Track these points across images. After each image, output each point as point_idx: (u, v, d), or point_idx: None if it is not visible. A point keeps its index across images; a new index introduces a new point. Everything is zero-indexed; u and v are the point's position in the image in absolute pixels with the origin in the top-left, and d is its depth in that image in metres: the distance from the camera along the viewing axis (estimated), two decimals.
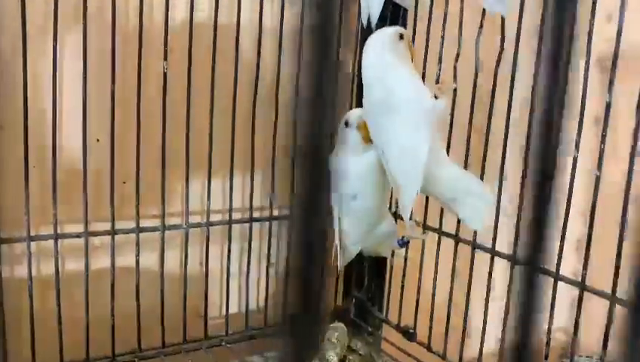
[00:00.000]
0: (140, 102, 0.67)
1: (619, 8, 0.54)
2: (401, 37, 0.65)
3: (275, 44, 0.78)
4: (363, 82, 0.66)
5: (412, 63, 0.67)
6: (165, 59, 0.67)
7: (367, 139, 0.69)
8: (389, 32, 0.65)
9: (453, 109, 0.70)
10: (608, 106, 0.56)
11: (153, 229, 0.72)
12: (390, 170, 0.64)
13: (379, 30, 0.66)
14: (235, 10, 0.72)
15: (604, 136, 0.56)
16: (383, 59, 0.64)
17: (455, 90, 0.70)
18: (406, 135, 0.62)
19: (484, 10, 0.64)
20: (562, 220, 0.57)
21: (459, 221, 0.70)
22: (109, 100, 0.65)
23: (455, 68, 0.70)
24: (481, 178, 0.67)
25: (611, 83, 0.55)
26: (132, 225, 0.70)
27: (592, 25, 0.55)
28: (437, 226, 0.74)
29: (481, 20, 0.65)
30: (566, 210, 0.57)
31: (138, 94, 0.67)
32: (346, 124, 0.70)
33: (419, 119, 0.62)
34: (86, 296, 0.68)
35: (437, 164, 0.63)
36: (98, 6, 0.67)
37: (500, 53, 0.64)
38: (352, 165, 0.70)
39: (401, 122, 0.63)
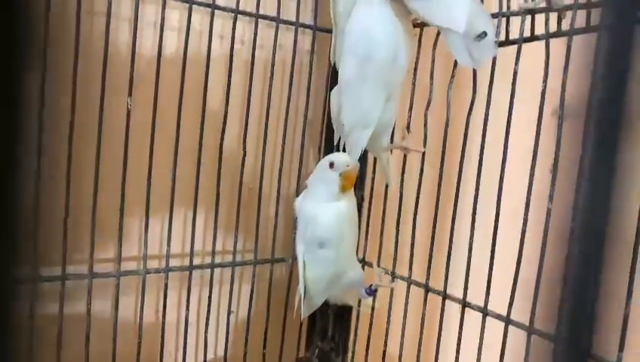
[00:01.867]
0: (100, 139, 0.64)
1: None
2: None
3: (245, 82, 0.76)
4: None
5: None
6: (130, 95, 0.64)
7: (347, 188, 0.67)
8: None
9: (423, 157, 0.70)
10: None
11: (107, 275, 0.67)
12: (343, 116, 0.65)
13: None
14: (204, 47, 0.71)
15: None
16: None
17: (425, 137, 0.70)
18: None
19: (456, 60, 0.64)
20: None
21: (429, 270, 0.69)
22: (67, 135, 0.62)
23: (426, 115, 0.69)
24: (451, 231, 0.66)
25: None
26: (85, 270, 0.65)
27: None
28: (406, 275, 0.72)
29: (453, 70, 0.65)
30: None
31: (99, 130, 0.63)
32: (331, 165, 0.68)
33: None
34: (30, 345, 0.62)
35: None
36: (57, 37, 0.64)
37: (472, 102, 0.64)
38: (322, 213, 0.68)
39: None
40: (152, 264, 0.74)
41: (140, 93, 0.67)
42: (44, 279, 0.63)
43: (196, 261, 0.75)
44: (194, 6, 0.67)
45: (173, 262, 0.74)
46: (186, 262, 0.74)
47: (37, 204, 0.60)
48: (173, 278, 0.74)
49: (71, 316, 0.66)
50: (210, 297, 0.75)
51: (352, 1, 0.68)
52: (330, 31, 0.78)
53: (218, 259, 0.78)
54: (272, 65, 0.75)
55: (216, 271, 0.76)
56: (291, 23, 0.77)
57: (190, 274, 0.73)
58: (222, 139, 0.72)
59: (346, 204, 0.68)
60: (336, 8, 0.72)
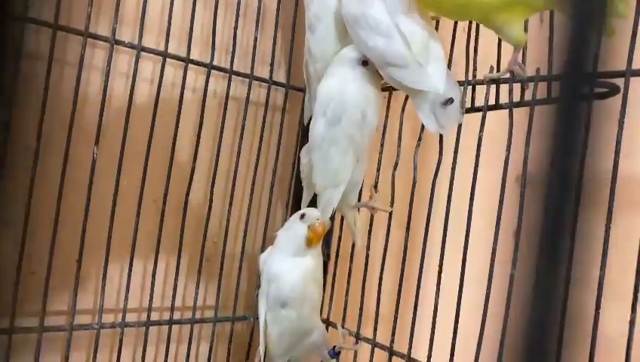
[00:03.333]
0: (62, 184, 0.62)
1: None
2: None
3: (215, 136, 0.76)
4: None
5: None
6: (97, 143, 0.64)
7: (316, 243, 0.67)
8: None
9: (390, 217, 0.70)
10: None
11: (59, 329, 0.64)
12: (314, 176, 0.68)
13: None
14: (175, 99, 0.71)
15: None
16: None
17: (392, 197, 0.70)
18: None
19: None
20: None
21: (393, 333, 0.68)
22: (27, 179, 0.60)
23: (393, 175, 0.70)
24: (417, 293, 0.66)
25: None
26: (36, 322, 0.62)
27: None
28: (371, 337, 0.71)
29: (420, 133, 0.66)
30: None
31: (62, 176, 0.62)
32: (302, 216, 0.68)
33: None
34: None
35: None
36: (24, 88, 0.63)
37: (438, 165, 0.65)
38: (286, 271, 0.67)
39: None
40: (108, 318, 0.71)
41: (108, 142, 0.66)
42: None
43: (154, 316, 0.72)
44: (168, 59, 0.68)
45: (130, 317, 0.71)
46: (143, 317, 0.71)
47: None
48: (129, 334, 0.70)
49: None
50: (167, 355, 0.72)
51: (325, 63, 0.70)
52: (302, 89, 0.80)
53: (177, 316, 0.75)
54: (244, 120, 0.75)
55: (175, 328, 0.73)
56: (264, 80, 0.78)
57: (147, 329, 0.70)
58: (188, 190, 0.72)
59: (312, 262, 0.67)
60: (309, 69, 0.74)
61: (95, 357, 0.66)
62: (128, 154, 0.66)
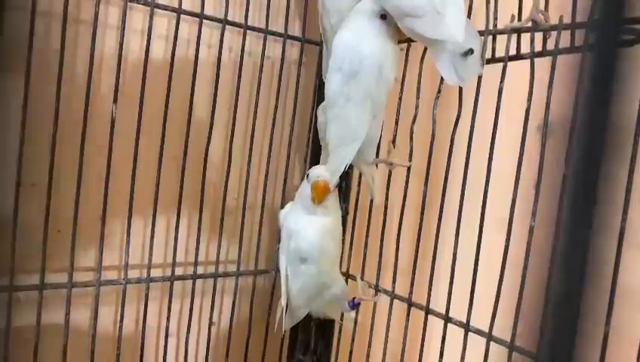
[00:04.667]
0: (83, 145, 0.63)
1: None
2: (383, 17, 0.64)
3: (232, 92, 0.76)
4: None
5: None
6: (115, 102, 0.64)
7: (318, 201, 0.67)
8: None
9: (408, 171, 0.70)
10: None
11: (86, 285, 0.66)
12: (329, 132, 0.67)
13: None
14: (191, 55, 0.70)
15: None
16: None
17: (411, 152, 0.70)
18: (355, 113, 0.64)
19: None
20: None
21: (412, 284, 0.69)
22: (49, 141, 0.61)
23: (412, 130, 0.70)
24: (435, 245, 0.66)
25: None
26: (64, 278, 0.64)
27: None
28: (390, 289, 0.72)
29: (440, 86, 0.65)
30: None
31: (82, 137, 0.63)
32: (306, 176, 0.68)
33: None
34: (5, 355, 0.61)
35: None
36: (41, 48, 0.63)
37: (457, 117, 0.64)
38: (303, 228, 0.68)
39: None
40: (133, 274, 0.73)
41: (126, 100, 0.67)
42: (21, 288, 0.62)
43: (178, 271, 0.74)
44: (182, 15, 0.67)
45: (155, 273, 0.73)
46: (168, 273, 0.73)
47: (15, 211, 0.59)
48: (154, 288, 0.73)
49: (49, 326, 0.65)
50: (191, 308, 0.74)
51: (341, 16, 0.69)
52: (318, 43, 0.79)
53: (200, 270, 0.77)
54: (260, 75, 0.75)
55: (198, 282, 0.75)
56: (279, 35, 0.77)
57: (172, 284, 0.72)
58: (207, 147, 0.72)
59: (329, 218, 0.68)
60: (324, 23, 0.72)
61: (123, 311, 0.68)
62: (146, 112, 0.66)
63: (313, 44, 0.80)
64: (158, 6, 0.65)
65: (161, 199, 0.70)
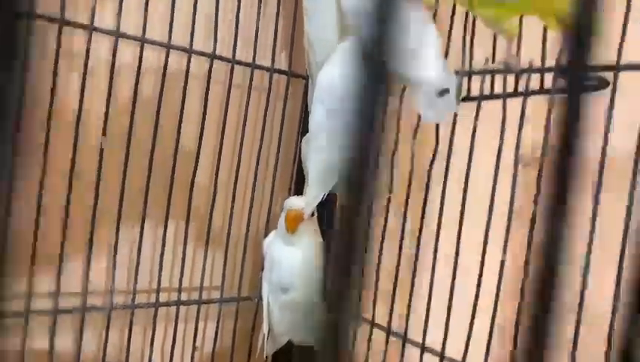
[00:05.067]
0: (72, 176, 0.65)
1: None
2: None
3: (219, 122, 0.78)
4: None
5: None
6: (104, 134, 0.66)
7: (292, 230, 0.69)
8: None
9: (388, 204, 0.72)
10: None
11: (71, 311, 0.67)
12: (309, 163, 0.68)
13: None
14: (179, 87, 0.73)
15: None
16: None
17: (391, 183, 0.72)
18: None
19: None
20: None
21: (391, 313, 0.71)
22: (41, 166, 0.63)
23: (392, 162, 0.72)
24: (413, 275, 0.68)
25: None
26: (48, 304, 0.66)
27: None
28: (369, 318, 0.74)
29: (418, 121, 0.68)
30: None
31: (72, 168, 0.64)
32: (282, 210, 0.71)
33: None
34: None
35: None
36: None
37: (435, 153, 0.67)
38: (283, 257, 0.70)
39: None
40: (118, 299, 0.74)
41: (115, 130, 0.69)
42: (3, 314, 0.63)
43: (162, 297, 0.76)
44: (172, 50, 0.70)
45: (140, 298, 0.74)
46: (152, 298, 0.75)
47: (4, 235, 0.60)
48: (138, 314, 0.74)
49: (33, 352, 0.66)
50: (175, 334, 0.75)
51: (326, 53, 0.72)
52: (304, 76, 0.82)
53: (184, 296, 0.79)
54: (246, 108, 0.77)
55: (182, 308, 0.77)
56: (266, 69, 0.79)
57: (156, 311, 0.73)
58: (193, 176, 0.74)
59: (308, 248, 0.70)
60: (310, 58, 0.75)
61: (107, 337, 0.69)
62: (135, 141, 0.69)
63: (299, 77, 0.83)
64: (148, 41, 0.68)
65: (147, 225, 0.71)
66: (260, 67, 0.79)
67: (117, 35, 0.65)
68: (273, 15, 0.79)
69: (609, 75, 0.51)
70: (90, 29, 0.63)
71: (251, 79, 0.77)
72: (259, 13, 0.77)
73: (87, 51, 0.64)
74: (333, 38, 0.71)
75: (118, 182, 0.68)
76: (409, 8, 0.62)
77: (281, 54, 0.83)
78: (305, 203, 0.69)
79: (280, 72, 0.82)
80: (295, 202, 0.69)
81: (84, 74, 0.64)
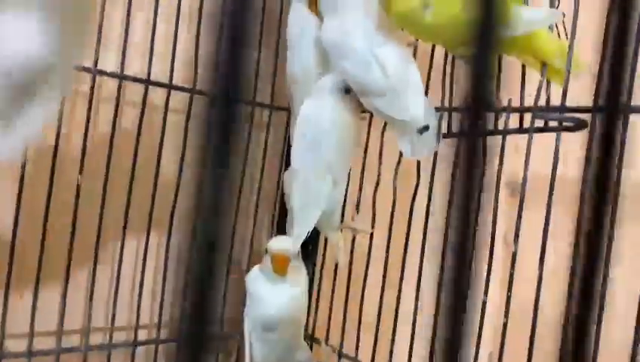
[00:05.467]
0: (47, 213, 0.64)
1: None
2: None
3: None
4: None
5: None
6: (81, 172, 0.65)
7: (281, 272, 0.68)
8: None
9: (371, 239, 0.72)
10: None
11: (46, 353, 0.66)
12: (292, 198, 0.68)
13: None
14: (159, 121, 0.72)
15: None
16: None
17: (374, 218, 0.72)
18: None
19: None
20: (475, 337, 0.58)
21: (374, 349, 0.70)
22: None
23: (374, 197, 0.72)
24: (396, 311, 0.68)
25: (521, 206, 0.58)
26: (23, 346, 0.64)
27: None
28: (353, 354, 0.73)
29: (400, 156, 0.68)
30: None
31: (47, 203, 0.63)
32: (267, 249, 0.69)
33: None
34: None
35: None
36: None
37: (416, 187, 0.67)
38: (266, 296, 0.68)
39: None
40: (95, 338, 0.72)
41: (92, 165, 0.68)
42: None
43: (141, 335, 0.74)
44: (151, 86, 0.69)
45: (117, 336, 0.72)
46: (131, 336, 0.73)
47: None
48: (116, 354, 0.72)
49: None
50: None
51: (306, 87, 0.71)
52: (286, 108, 0.82)
53: (164, 334, 0.77)
54: None
55: (162, 345, 0.75)
56: (248, 103, 0.79)
57: (134, 349, 0.72)
58: (173, 210, 0.73)
59: (292, 286, 0.69)
60: (291, 92, 0.75)
61: None
62: (113, 176, 0.68)
63: (281, 109, 0.83)
64: (127, 77, 0.67)
65: (126, 260, 0.70)
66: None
67: (95, 72, 0.64)
68: (255, 48, 0.79)
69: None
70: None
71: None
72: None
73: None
74: (315, 73, 0.71)
75: (96, 217, 0.67)
76: (391, 47, 0.62)
77: (264, 87, 0.82)
78: (292, 239, 0.68)
79: (262, 105, 0.81)
80: (282, 244, 0.68)
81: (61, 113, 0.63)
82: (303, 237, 0.68)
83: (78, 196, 0.65)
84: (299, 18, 0.71)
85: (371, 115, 0.76)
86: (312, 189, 0.67)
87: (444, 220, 0.63)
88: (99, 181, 0.67)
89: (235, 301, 0.82)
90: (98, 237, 0.67)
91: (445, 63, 0.65)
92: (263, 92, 0.83)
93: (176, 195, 0.73)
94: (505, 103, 0.58)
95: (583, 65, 0.52)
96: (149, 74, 0.69)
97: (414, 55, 0.67)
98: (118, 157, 0.68)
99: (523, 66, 0.57)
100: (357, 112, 0.68)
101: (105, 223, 0.68)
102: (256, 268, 0.73)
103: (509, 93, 0.59)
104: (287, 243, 0.68)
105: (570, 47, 0.53)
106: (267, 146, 0.82)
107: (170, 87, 0.71)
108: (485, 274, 0.59)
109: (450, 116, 0.64)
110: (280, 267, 0.67)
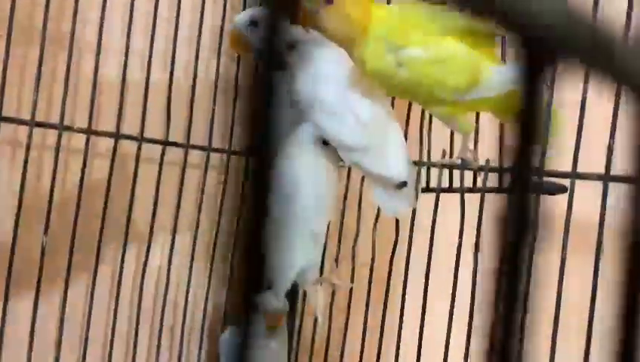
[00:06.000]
0: (11, 268, 0.61)
1: None
2: None
3: (173, 204, 0.75)
4: None
5: None
6: (45, 233, 0.62)
7: (273, 327, 0.66)
8: None
9: (351, 294, 0.70)
10: None
11: None
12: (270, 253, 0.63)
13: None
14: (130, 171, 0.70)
15: None
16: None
17: (353, 272, 0.70)
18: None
19: None
20: None
21: None
22: None
23: (354, 251, 0.70)
24: None
25: None
26: None
27: None
28: None
29: (378, 211, 0.66)
30: None
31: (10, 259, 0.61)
32: (257, 306, 0.67)
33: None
34: None
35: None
36: None
37: (395, 245, 0.65)
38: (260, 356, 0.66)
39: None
40: None
41: (62, 221, 0.66)
42: None
43: None
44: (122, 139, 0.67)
45: None
46: None
47: None
48: None
49: None
50: None
51: (282, 138, 0.70)
52: None
53: None
54: (202, 191, 0.75)
55: None
56: (223, 151, 0.77)
57: None
58: (146, 261, 0.70)
59: (276, 344, 0.67)
60: None
61: None
62: (81, 234, 0.65)
63: None
64: (96, 133, 0.65)
65: (93, 321, 0.67)
66: (216, 150, 0.76)
67: (61, 128, 0.62)
68: (231, 96, 0.77)
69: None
70: (32, 125, 0.60)
71: (207, 161, 0.75)
72: (215, 95, 0.75)
73: (28, 147, 0.61)
74: (290, 126, 0.69)
75: (63, 277, 0.65)
76: (367, 101, 0.61)
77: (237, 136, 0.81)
78: (274, 296, 0.66)
79: (238, 153, 0.79)
80: (273, 304, 0.66)
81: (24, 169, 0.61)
82: (283, 293, 0.67)
83: (42, 258, 0.62)
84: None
85: (349, 169, 0.74)
86: (287, 247, 0.66)
87: (424, 280, 0.62)
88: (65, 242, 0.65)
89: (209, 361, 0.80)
90: (65, 298, 0.65)
91: (422, 118, 0.64)
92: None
93: (148, 249, 0.71)
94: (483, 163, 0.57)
95: (564, 128, 0.51)
96: (118, 127, 0.67)
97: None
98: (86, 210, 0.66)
99: (501, 125, 0.56)
100: (335, 164, 0.66)
101: (71, 281, 0.65)
102: (230, 329, 0.71)
103: (487, 151, 0.59)
104: (278, 302, 0.66)
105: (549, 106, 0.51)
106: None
107: (141, 139, 0.69)
108: None
109: (428, 172, 0.63)
110: (273, 325, 0.66)
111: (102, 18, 0.66)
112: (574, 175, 0.48)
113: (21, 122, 0.60)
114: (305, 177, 0.64)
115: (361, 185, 0.70)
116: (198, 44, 0.72)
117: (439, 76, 0.52)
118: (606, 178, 0.44)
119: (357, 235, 0.70)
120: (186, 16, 0.74)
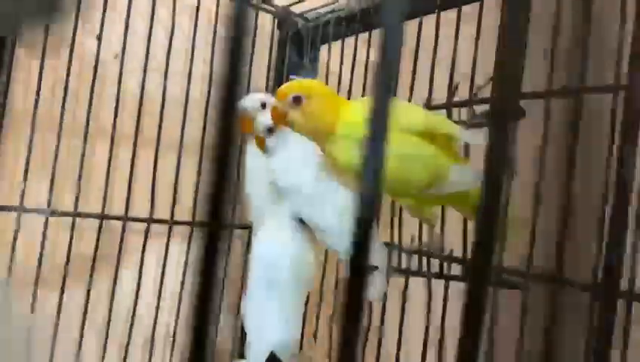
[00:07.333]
0: None
1: None
2: None
3: (156, 279, 0.77)
4: None
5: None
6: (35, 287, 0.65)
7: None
8: None
9: None
10: None
11: None
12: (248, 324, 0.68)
13: None
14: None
15: None
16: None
17: (330, 350, 0.71)
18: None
19: None
20: None
21: None
22: None
23: (331, 327, 0.71)
24: None
25: None
26: None
27: None
28: None
29: None
30: None
31: None
32: None
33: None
34: None
35: None
36: None
37: (368, 327, 0.66)
38: None
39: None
40: None
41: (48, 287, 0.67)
42: None
43: None
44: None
45: None
46: None
47: None
48: None
49: None
50: None
51: (262, 213, 0.72)
52: (247, 227, 0.82)
53: None
54: (185, 264, 0.77)
55: None
56: (207, 224, 0.79)
57: None
58: (133, 314, 0.72)
59: None
60: (251, 216, 0.76)
61: None
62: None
63: (244, 228, 0.83)
64: (80, 215, 0.68)
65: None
66: (203, 224, 0.78)
67: (49, 213, 0.65)
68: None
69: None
70: (20, 210, 0.63)
71: (190, 236, 0.77)
72: (199, 171, 0.78)
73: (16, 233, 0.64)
74: (268, 199, 0.71)
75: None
76: (341, 188, 0.64)
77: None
78: None
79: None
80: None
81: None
82: None
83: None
84: (252, 153, 0.72)
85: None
86: (266, 318, 0.67)
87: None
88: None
89: None
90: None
91: (393, 202, 0.66)
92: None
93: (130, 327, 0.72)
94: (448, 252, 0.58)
95: (521, 231, 0.53)
96: (103, 207, 0.69)
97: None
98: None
99: (464, 220, 0.58)
100: (313, 242, 0.68)
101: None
102: None
103: (456, 238, 0.60)
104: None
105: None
106: (227, 269, 0.81)
107: (125, 219, 0.71)
108: None
109: (399, 254, 0.65)
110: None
111: (90, 103, 0.69)
112: (528, 275, 0.49)
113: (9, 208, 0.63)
114: (283, 260, 0.67)
115: (338, 261, 0.72)
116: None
117: (403, 172, 0.54)
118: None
119: (334, 311, 0.71)
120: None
